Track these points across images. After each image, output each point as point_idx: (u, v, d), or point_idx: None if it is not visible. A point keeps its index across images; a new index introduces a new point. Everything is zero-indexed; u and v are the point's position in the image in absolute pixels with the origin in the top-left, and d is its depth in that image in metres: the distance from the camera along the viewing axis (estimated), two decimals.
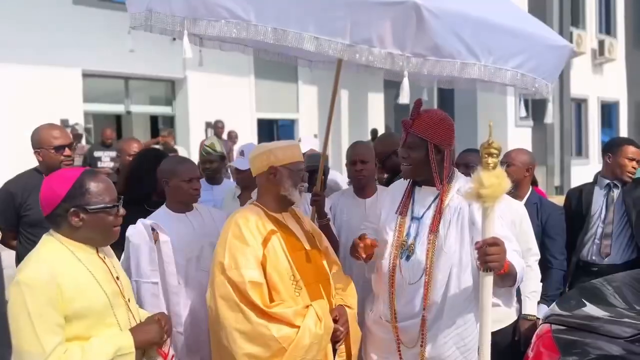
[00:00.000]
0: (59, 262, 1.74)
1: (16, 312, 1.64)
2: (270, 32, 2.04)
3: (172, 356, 2.03)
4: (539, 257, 3.04)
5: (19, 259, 2.99)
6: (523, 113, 3.23)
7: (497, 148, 1.92)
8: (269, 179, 2.35)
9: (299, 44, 2.04)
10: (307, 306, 2.23)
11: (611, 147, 3.63)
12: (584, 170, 13.88)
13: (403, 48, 2.05)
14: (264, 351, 2.14)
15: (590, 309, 2.52)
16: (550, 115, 2.68)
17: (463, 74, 2.14)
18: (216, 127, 9.88)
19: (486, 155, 1.93)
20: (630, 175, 3.53)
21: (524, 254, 2.93)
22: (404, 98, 2.07)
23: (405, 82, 2.07)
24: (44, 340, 1.63)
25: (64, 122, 8.46)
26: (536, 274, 3.01)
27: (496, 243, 1.94)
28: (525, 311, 2.99)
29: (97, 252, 1.88)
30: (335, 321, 2.29)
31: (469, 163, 2.95)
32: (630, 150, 3.52)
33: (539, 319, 2.98)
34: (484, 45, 2.17)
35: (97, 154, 7.84)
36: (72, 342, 1.71)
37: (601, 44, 15.48)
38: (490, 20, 2.24)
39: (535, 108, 12.74)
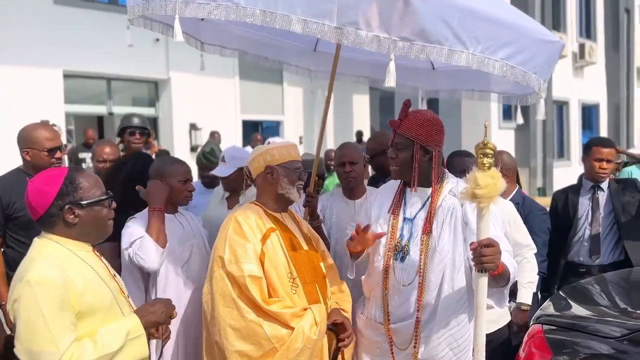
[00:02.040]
0: (63, 261, 1.72)
1: (29, 312, 1.62)
2: (259, 14, 2.03)
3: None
4: (535, 250, 3.07)
5: (8, 263, 2.91)
6: (520, 120, 3.20)
7: (492, 148, 1.92)
8: (266, 179, 2.37)
9: (286, 26, 2.03)
10: (306, 309, 2.22)
11: (585, 149, 3.65)
12: (566, 172, 14.08)
13: (389, 31, 2.03)
14: (256, 350, 2.13)
15: (581, 309, 2.54)
16: (543, 113, 2.66)
17: (450, 60, 2.13)
18: (212, 137, 9.69)
19: (481, 156, 1.93)
20: (601, 175, 3.51)
21: (522, 249, 2.97)
22: (390, 82, 2.05)
23: (392, 66, 2.05)
24: (59, 339, 1.62)
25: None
26: (533, 265, 3.04)
27: (491, 244, 1.93)
28: (520, 300, 3.01)
29: (93, 250, 1.87)
30: (335, 324, 2.30)
31: (466, 168, 2.93)
32: (599, 151, 3.51)
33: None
34: (472, 34, 2.16)
35: (81, 155, 7.75)
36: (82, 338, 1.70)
37: (582, 47, 15.70)
38: (479, 10, 2.22)
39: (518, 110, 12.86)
